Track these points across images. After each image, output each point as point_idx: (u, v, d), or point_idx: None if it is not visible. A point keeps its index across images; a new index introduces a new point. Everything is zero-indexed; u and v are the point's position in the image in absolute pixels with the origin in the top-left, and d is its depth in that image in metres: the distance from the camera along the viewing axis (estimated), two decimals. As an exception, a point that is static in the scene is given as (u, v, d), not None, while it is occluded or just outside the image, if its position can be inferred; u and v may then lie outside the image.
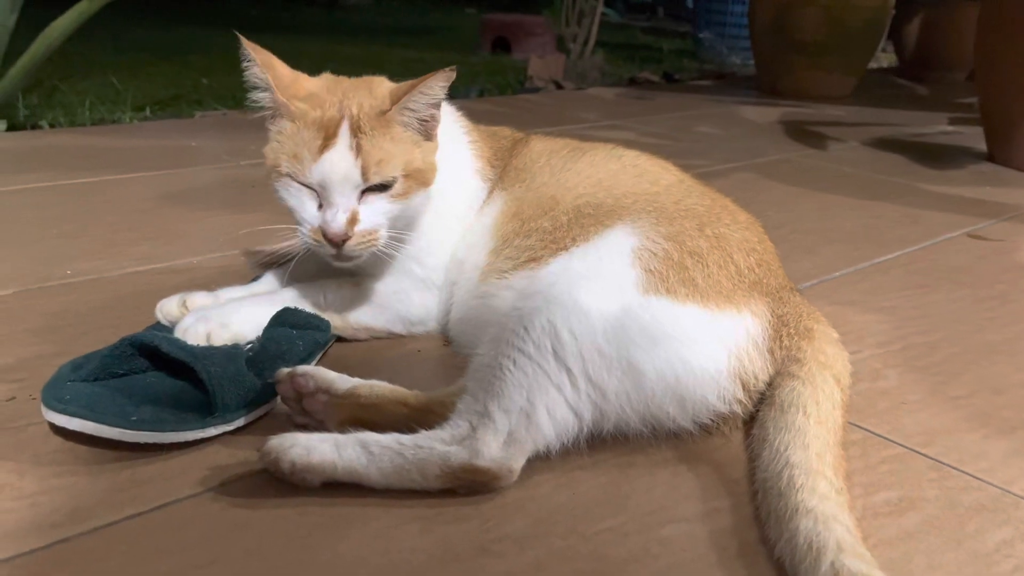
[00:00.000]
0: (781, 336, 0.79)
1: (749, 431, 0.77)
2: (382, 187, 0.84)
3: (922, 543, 0.66)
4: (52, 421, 0.71)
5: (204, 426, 0.73)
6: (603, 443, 0.75)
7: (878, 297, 1.16)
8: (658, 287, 0.75)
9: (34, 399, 0.76)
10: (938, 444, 0.80)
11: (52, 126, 2.05)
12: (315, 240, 0.83)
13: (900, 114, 2.71)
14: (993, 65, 1.98)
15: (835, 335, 0.82)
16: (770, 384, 0.77)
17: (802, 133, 2.33)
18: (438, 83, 0.85)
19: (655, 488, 0.71)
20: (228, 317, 0.87)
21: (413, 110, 0.86)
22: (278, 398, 0.78)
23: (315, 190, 0.84)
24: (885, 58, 4.28)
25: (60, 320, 0.96)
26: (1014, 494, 0.73)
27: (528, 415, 0.69)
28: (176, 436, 0.71)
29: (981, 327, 1.08)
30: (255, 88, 0.86)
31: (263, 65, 0.85)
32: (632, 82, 3.34)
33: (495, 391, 0.70)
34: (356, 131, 0.83)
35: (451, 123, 1.00)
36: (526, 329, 0.72)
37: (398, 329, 0.96)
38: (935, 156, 2.11)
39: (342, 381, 0.77)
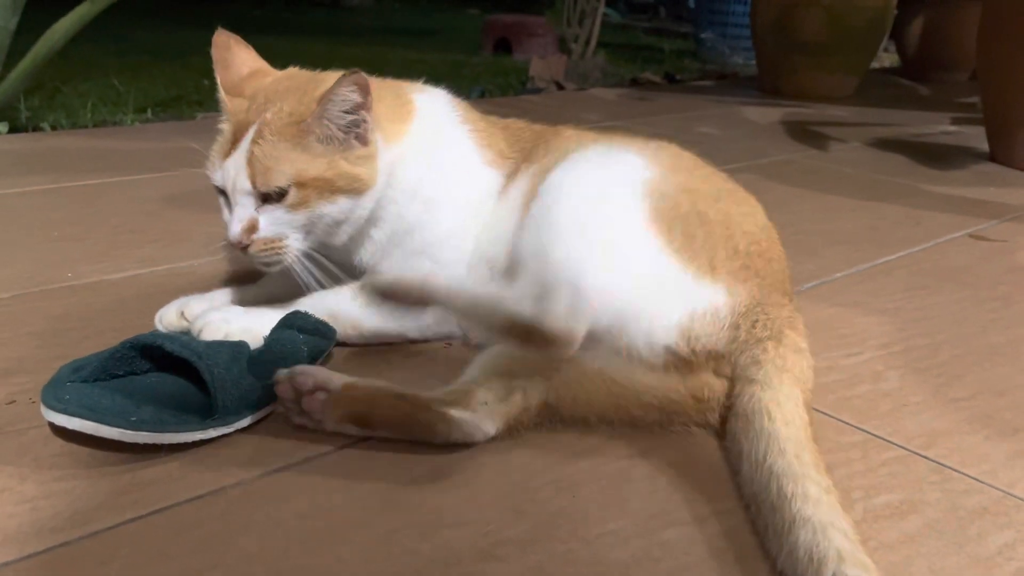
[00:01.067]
0: (753, 324, 0.77)
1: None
2: (280, 195, 0.84)
3: (923, 546, 0.66)
4: (52, 421, 0.70)
5: (204, 428, 0.73)
6: (603, 447, 0.75)
7: (880, 299, 1.16)
8: (658, 227, 0.79)
9: (34, 403, 0.76)
10: (939, 446, 0.80)
11: (54, 128, 2.06)
12: (226, 243, 0.86)
13: (902, 114, 2.71)
14: (995, 66, 1.98)
15: (803, 344, 0.79)
16: (730, 387, 0.77)
17: (804, 134, 2.33)
18: (345, 90, 0.83)
19: (656, 492, 0.71)
20: (251, 323, 0.87)
21: (328, 119, 0.84)
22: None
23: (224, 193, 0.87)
24: (887, 58, 4.27)
25: (62, 323, 0.96)
26: (1016, 496, 0.72)
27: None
28: (175, 437, 0.71)
29: (984, 328, 1.07)
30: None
31: (217, 61, 0.90)
32: (634, 82, 3.34)
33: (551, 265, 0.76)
34: (256, 138, 0.83)
35: (442, 120, 0.98)
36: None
37: (413, 335, 0.95)
38: (937, 156, 2.11)
39: (339, 378, 0.76)
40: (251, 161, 0.83)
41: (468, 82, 3.27)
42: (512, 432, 0.77)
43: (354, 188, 0.88)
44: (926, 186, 1.80)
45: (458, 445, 0.75)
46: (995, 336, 1.05)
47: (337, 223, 0.89)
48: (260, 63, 0.96)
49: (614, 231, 0.80)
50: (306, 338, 0.85)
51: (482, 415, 0.75)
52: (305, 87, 0.88)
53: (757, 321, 0.78)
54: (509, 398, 0.77)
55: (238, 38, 0.94)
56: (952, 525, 0.68)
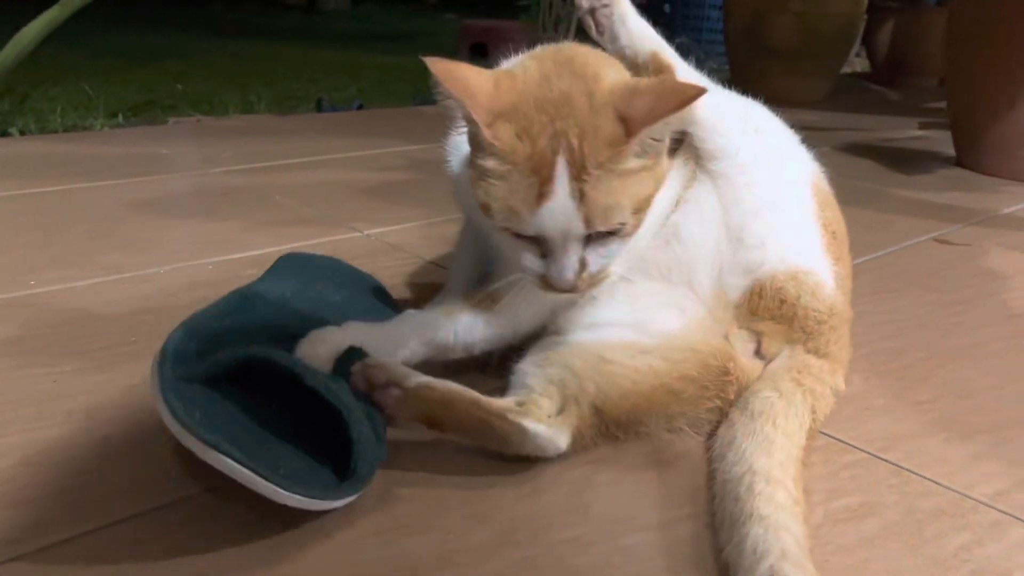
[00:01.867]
0: (825, 328, 0.83)
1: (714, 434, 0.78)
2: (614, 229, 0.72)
3: (880, 549, 0.66)
4: (190, 449, 0.60)
5: (340, 496, 0.63)
6: (566, 452, 0.75)
7: (846, 302, 1.17)
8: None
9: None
10: (900, 449, 0.81)
11: (23, 133, 2.03)
12: (540, 286, 0.74)
13: (872, 119, 2.74)
14: (961, 71, 2.01)
15: (841, 384, 0.84)
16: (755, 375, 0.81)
17: (776, 138, 2.34)
18: (689, 105, 0.69)
19: (619, 497, 0.71)
20: None
21: (654, 138, 0.70)
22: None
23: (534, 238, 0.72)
24: (859, 63, 4.33)
25: (26, 331, 0.95)
26: (973, 499, 0.73)
27: None
28: (323, 504, 0.62)
29: (947, 332, 1.09)
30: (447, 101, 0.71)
31: (460, 93, 0.68)
32: (609, 87, 3.35)
33: None
34: (577, 175, 0.68)
35: None
36: None
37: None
38: (905, 161, 2.14)
39: (414, 376, 0.73)
40: (584, 203, 0.68)
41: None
42: (577, 446, 0.75)
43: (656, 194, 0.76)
44: (894, 190, 1.83)
45: (527, 458, 0.74)
46: (958, 339, 1.07)
47: (641, 237, 0.79)
48: (482, 71, 0.72)
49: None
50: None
51: (555, 429, 0.74)
52: (578, 97, 0.69)
53: (830, 329, 0.83)
54: (567, 409, 0.76)
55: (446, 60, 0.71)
56: (910, 527, 0.69)
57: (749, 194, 0.83)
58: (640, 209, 0.72)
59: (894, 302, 1.18)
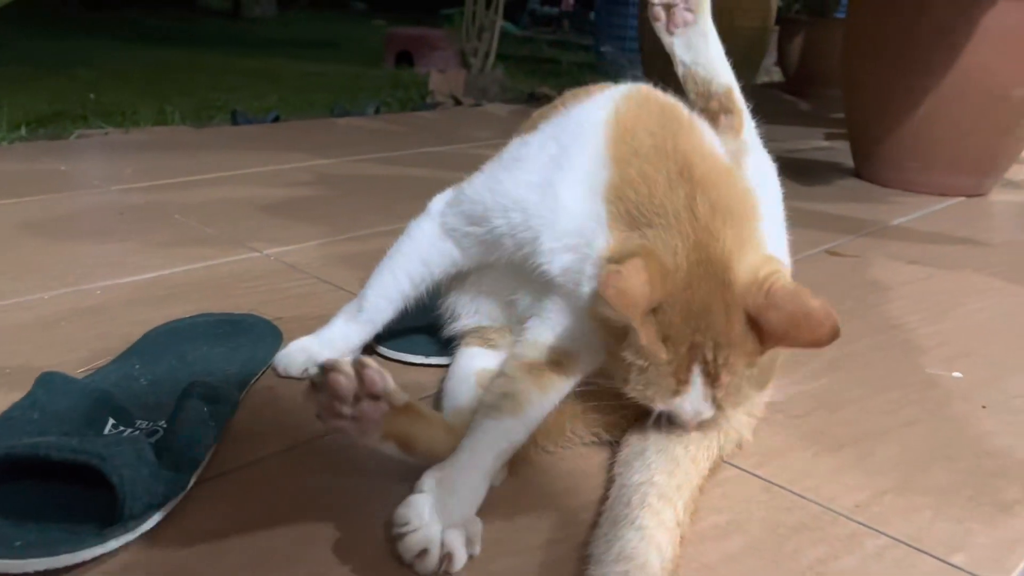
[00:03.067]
0: None
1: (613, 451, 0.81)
2: None
3: (742, 565, 0.69)
4: None
5: (104, 540, 0.63)
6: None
7: (735, 317, 1.20)
8: None
9: None
10: (772, 465, 0.83)
11: (-89, 149, 1.95)
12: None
13: (782, 130, 2.82)
14: (857, 84, 2.09)
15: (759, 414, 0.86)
16: None
17: (687, 150, 2.39)
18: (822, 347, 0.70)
19: (492, 522, 0.71)
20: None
21: None
22: (187, 487, 0.70)
23: None
24: (776, 73, 4.45)
25: None
26: (834, 511, 0.76)
27: None
28: (73, 558, 0.62)
29: (827, 344, 1.13)
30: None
31: (628, 313, 0.65)
32: (531, 97, 3.38)
33: None
34: (711, 383, 0.70)
35: None
36: None
37: None
38: (806, 172, 2.21)
39: (400, 392, 0.69)
40: (715, 401, 0.72)
41: (367, 95, 3.25)
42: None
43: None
44: (793, 202, 1.86)
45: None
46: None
47: None
48: (637, 269, 0.67)
49: None
50: (210, 408, 0.77)
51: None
52: (720, 300, 0.69)
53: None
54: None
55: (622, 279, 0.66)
56: (771, 543, 0.72)
57: None
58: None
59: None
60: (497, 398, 0.75)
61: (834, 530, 0.74)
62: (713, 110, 0.89)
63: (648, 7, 0.90)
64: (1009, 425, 0.93)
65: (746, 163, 0.87)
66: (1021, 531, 0.75)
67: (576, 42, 5.93)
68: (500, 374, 0.79)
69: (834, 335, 0.67)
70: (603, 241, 0.73)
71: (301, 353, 0.93)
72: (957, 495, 0.80)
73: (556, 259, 0.76)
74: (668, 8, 0.87)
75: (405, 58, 4.20)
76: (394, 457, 0.71)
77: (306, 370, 0.92)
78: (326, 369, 0.64)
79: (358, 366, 0.65)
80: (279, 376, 0.93)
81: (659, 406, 0.72)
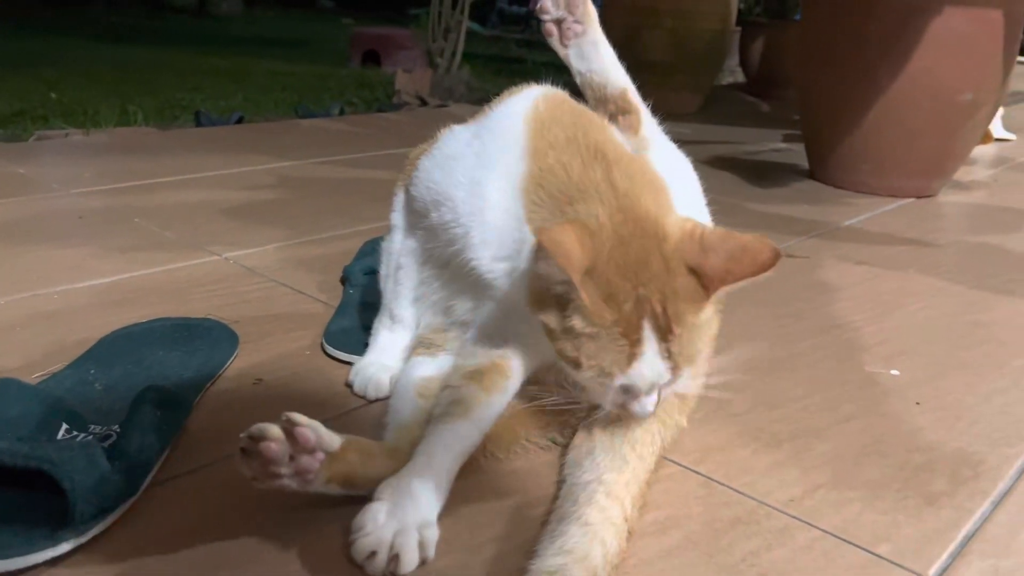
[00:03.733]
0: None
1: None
2: None
3: (678, 559, 0.71)
4: None
5: (56, 542, 0.65)
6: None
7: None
8: None
9: None
10: (711, 461, 0.87)
11: None
12: (615, 411, 0.78)
13: (741, 131, 2.87)
14: (811, 87, 2.14)
15: (684, 422, 0.88)
16: None
17: (648, 151, 2.43)
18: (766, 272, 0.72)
19: (444, 519, 0.73)
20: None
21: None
22: (139, 491, 0.72)
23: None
24: (740, 73, 4.52)
25: None
26: (769, 505, 0.80)
27: None
28: (25, 560, 0.63)
29: (771, 344, 1.16)
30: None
31: (563, 263, 0.67)
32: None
33: None
34: (664, 336, 0.71)
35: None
36: None
37: None
38: (763, 174, 2.25)
39: (333, 436, 0.70)
40: (671, 358, 0.72)
41: (332, 95, 3.25)
42: None
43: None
44: (749, 204, 1.93)
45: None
46: (780, 351, 1.14)
47: None
48: (567, 229, 0.70)
49: None
50: (164, 412, 0.78)
51: None
52: (656, 252, 0.71)
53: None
54: None
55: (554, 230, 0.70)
56: (707, 537, 0.75)
57: None
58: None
59: (727, 316, 1.24)
60: (446, 406, 0.79)
61: (768, 524, 0.77)
62: (611, 112, 0.93)
63: (541, 24, 0.95)
64: (940, 421, 0.97)
65: (649, 157, 0.90)
66: (945, 522, 0.79)
67: (544, 42, 5.95)
68: (446, 386, 0.83)
69: (776, 256, 0.70)
70: (528, 231, 0.76)
71: (383, 371, 0.94)
72: (886, 489, 0.83)
73: (484, 252, 0.80)
74: (559, 23, 0.92)
75: (372, 57, 4.20)
76: (341, 495, 0.73)
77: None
78: (254, 438, 0.65)
79: (287, 425, 0.66)
80: (369, 401, 0.93)
81: (618, 379, 0.72)
